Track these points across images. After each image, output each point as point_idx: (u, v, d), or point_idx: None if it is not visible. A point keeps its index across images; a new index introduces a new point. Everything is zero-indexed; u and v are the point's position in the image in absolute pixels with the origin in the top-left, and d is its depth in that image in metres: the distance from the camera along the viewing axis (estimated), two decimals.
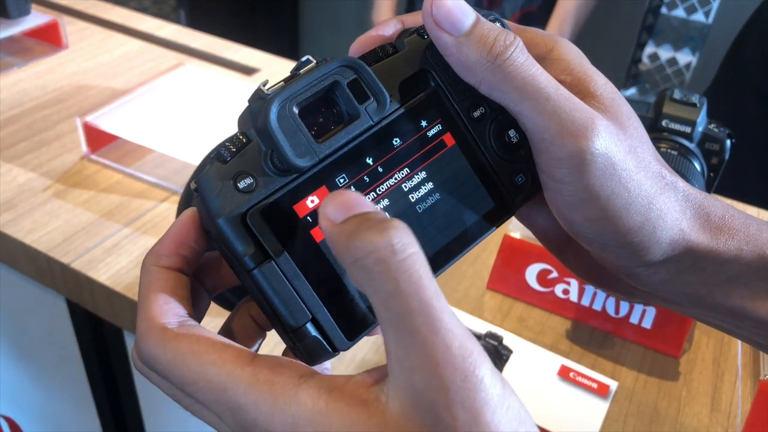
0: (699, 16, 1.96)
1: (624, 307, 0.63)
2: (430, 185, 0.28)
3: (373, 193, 0.27)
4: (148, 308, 0.25)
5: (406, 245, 0.21)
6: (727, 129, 0.65)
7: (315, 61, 0.26)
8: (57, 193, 0.74)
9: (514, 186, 0.30)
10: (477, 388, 0.20)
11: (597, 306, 0.64)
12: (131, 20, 1.14)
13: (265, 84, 0.26)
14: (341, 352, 0.26)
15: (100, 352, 0.76)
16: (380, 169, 0.27)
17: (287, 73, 0.26)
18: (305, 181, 0.25)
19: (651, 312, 0.62)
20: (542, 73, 0.27)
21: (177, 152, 0.76)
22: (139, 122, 0.80)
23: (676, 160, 0.62)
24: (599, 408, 0.57)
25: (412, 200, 0.28)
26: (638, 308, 0.62)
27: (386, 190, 0.27)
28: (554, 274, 0.65)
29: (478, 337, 0.61)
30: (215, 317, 0.50)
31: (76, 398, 0.83)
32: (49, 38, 1.02)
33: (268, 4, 2.57)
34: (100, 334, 0.74)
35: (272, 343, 0.41)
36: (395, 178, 0.27)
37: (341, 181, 0.26)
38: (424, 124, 0.28)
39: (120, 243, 0.68)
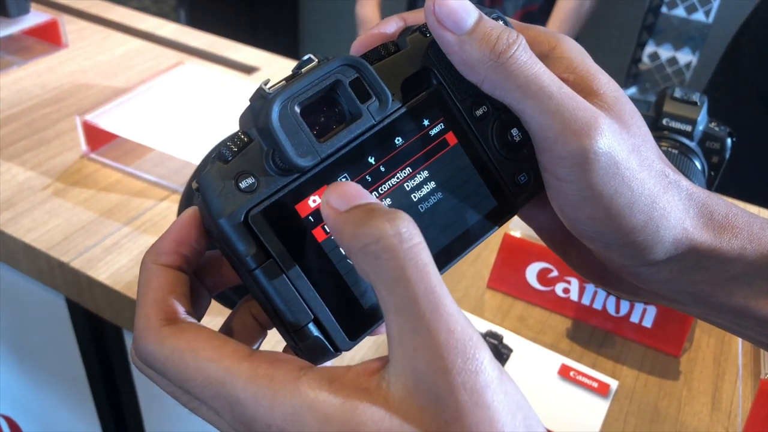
0: (699, 16, 1.96)
1: (624, 306, 0.63)
2: (432, 184, 0.28)
3: (375, 192, 0.27)
4: (146, 306, 0.25)
5: (412, 234, 0.21)
6: (727, 128, 0.65)
7: (317, 60, 0.26)
8: (57, 191, 0.73)
9: (516, 185, 0.29)
10: (478, 370, 0.20)
11: (597, 305, 0.63)
12: (131, 19, 1.14)
13: (266, 83, 0.25)
14: (343, 352, 0.26)
15: (99, 351, 0.76)
16: (382, 169, 0.27)
17: (287, 72, 0.26)
18: (307, 181, 0.25)
19: (651, 311, 0.62)
20: (545, 72, 0.26)
21: (177, 151, 0.76)
22: (139, 121, 0.80)
23: (677, 158, 0.62)
24: (600, 407, 0.57)
25: (415, 199, 0.27)
26: (639, 307, 0.62)
27: (388, 189, 0.27)
28: (554, 273, 0.65)
29: None
30: (215, 316, 0.50)
31: (76, 397, 0.83)
32: (48, 37, 1.02)
33: (268, 3, 2.57)
34: (100, 333, 0.74)
35: (273, 341, 0.41)
36: (397, 178, 0.27)
37: (343, 180, 0.26)
38: (426, 123, 0.28)
39: (120, 242, 0.67)
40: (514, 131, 0.29)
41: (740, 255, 0.28)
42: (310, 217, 0.25)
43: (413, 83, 0.28)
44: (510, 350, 0.60)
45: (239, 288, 0.27)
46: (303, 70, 0.26)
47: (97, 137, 0.79)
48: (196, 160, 0.74)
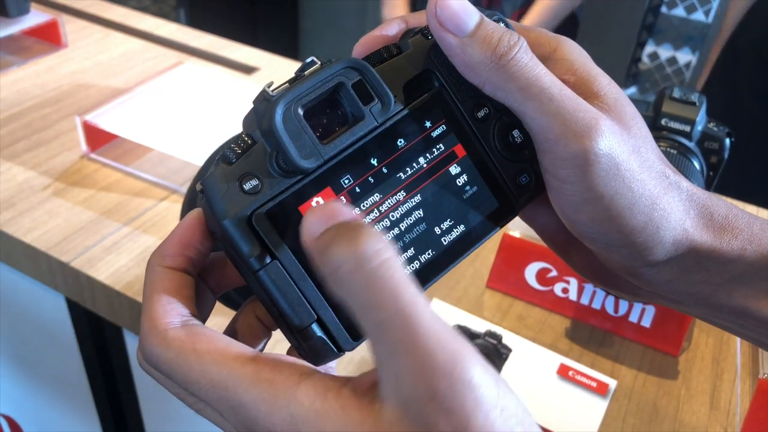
0: (699, 15, 1.96)
1: (623, 305, 0.63)
2: (434, 185, 0.28)
3: (377, 193, 0.27)
4: (151, 308, 0.25)
5: (377, 252, 0.20)
6: (726, 128, 0.65)
7: (319, 63, 0.26)
8: (56, 191, 0.73)
9: (518, 186, 0.30)
10: (465, 392, 0.19)
11: (596, 305, 0.64)
12: (131, 19, 1.14)
13: (270, 86, 0.26)
14: (346, 352, 0.26)
15: (99, 350, 0.76)
16: (385, 170, 0.27)
17: (287, 72, 0.26)
18: (310, 183, 0.26)
19: (650, 311, 0.62)
20: (546, 73, 0.27)
21: (177, 151, 0.76)
22: (139, 121, 0.80)
23: (676, 158, 0.62)
24: (598, 406, 0.57)
25: (417, 200, 0.28)
26: (637, 307, 0.63)
27: (391, 190, 0.27)
28: (553, 273, 0.65)
29: (477, 335, 0.61)
30: (219, 316, 0.50)
31: (76, 397, 0.83)
32: (48, 37, 1.02)
33: (268, 2, 2.57)
34: (100, 333, 0.74)
35: (274, 341, 0.41)
36: (400, 179, 0.27)
37: (346, 182, 0.26)
38: (428, 124, 0.28)
39: (119, 242, 0.68)
40: (516, 133, 0.29)
41: (740, 256, 0.28)
42: None
43: (415, 85, 0.28)
44: (509, 350, 0.61)
45: (243, 289, 0.28)
46: (306, 72, 0.26)
47: (97, 137, 0.79)
48: (196, 159, 0.74)
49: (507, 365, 0.59)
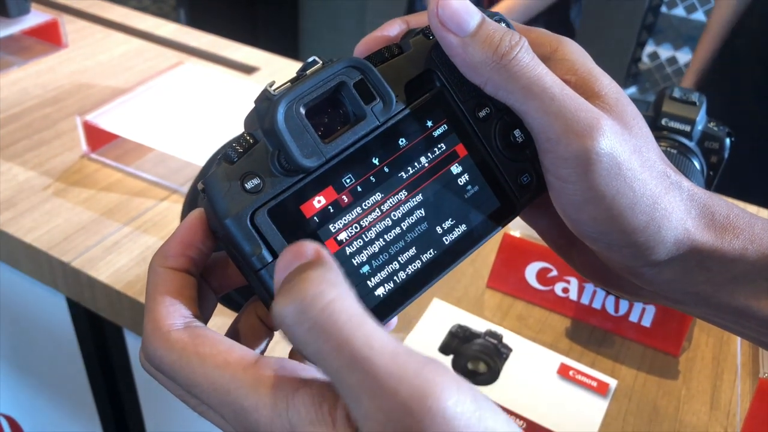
0: (699, 15, 1.96)
1: (623, 305, 0.63)
2: (436, 185, 0.28)
3: (379, 193, 0.27)
4: (154, 309, 0.25)
5: (315, 298, 0.20)
6: (726, 127, 0.65)
7: (321, 62, 0.26)
8: (57, 191, 0.74)
9: (519, 186, 0.30)
10: (440, 424, 0.19)
11: (596, 304, 0.64)
12: (131, 19, 1.14)
13: (271, 85, 0.26)
14: None
15: (100, 350, 0.76)
16: (386, 169, 0.27)
17: (287, 72, 0.26)
18: (312, 182, 0.26)
19: (650, 310, 0.62)
20: (547, 73, 0.27)
21: (177, 151, 0.76)
22: (139, 121, 0.80)
23: (676, 158, 0.62)
24: (599, 406, 0.57)
25: (418, 200, 0.28)
26: (638, 307, 0.63)
27: (392, 190, 0.27)
28: (554, 273, 0.65)
29: (478, 335, 0.61)
30: (220, 317, 0.50)
31: (77, 397, 0.83)
32: (49, 37, 1.02)
33: (268, 2, 2.57)
34: (101, 333, 0.74)
35: (275, 341, 0.41)
36: (401, 178, 0.27)
37: (348, 181, 0.26)
38: (429, 124, 0.28)
39: (120, 241, 0.68)
40: (517, 132, 0.29)
41: (741, 255, 0.28)
42: (315, 218, 0.26)
43: (416, 85, 0.28)
44: (509, 349, 0.61)
45: (244, 289, 0.28)
46: (308, 72, 0.26)
47: (98, 137, 0.79)
48: (197, 159, 0.74)
49: (507, 365, 0.60)
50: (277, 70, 1.01)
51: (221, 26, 1.39)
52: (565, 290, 0.65)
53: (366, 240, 0.26)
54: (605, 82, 0.28)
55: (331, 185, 0.26)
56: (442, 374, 0.19)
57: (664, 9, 1.99)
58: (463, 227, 0.28)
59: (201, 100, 0.86)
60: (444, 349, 0.61)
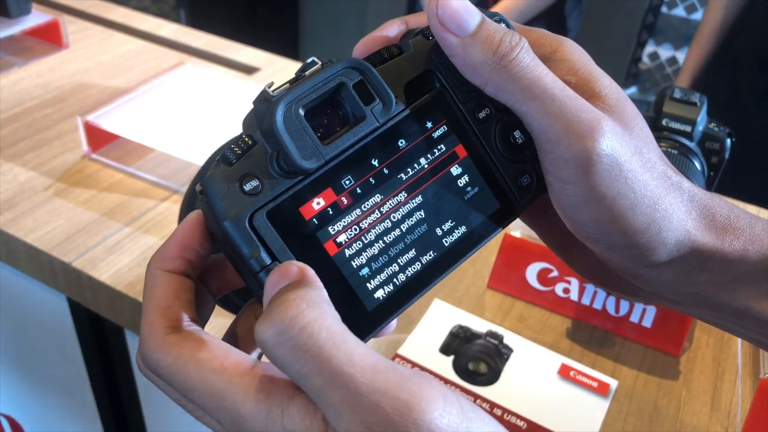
0: (699, 15, 1.96)
1: (624, 306, 0.63)
2: (435, 186, 0.28)
3: (378, 194, 0.27)
4: (151, 313, 0.25)
5: (294, 319, 0.20)
6: (727, 128, 0.65)
7: (320, 63, 0.26)
8: (58, 192, 0.74)
9: (519, 187, 0.30)
10: None
11: (597, 305, 0.64)
12: (132, 19, 1.14)
13: (270, 86, 0.25)
14: None
15: (101, 351, 0.76)
16: (386, 171, 0.27)
17: (288, 73, 0.26)
18: (311, 183, 0.26)
19: (651, 311, 0.62)
20: (548, 74, 0.27)
21: (178, 151, 0.76)
22: (140, 121, 0.80)
23: (677, 159, 0.62)
24: (599, 407, 0.57)
25: (418, 201, 0.28)
26: (638, 307, 0.63)
27: (392, 191, 0.27)
28: (555, 273, 0.65)
29: (479, 336, 0.61)
30: (220, 317, 0.50)
31: (78, 397, 0.83)
32: (49, 37, 1.02)
33: (269, 3, 2.57)
34: (102, 333, 0.75)
35: None
36: (401, 179, 0.27)
37: (347, 182, 0.26)
38: (429, 125, 0.28)
39: (121, 242, 0.68)
40: (517, 133, 0.29)
41: (742, 256, 0.28)
42: (314, 220, 0.25)
43: (416, 86, 0.28)
44: (510, 350, 0.61)
45: (242, 291, 0.27)
46: (307, 72, 0.26)
47: (99, 137, 0.79)
48: (198, 160, 0.74)
49: (508, 365, 0.59)
50: (278, 70, 1.01)
51: (221, 26, 1.39)
52: (566, 291, 0.65)
53: (366, 242, 0.26)
54: (606, 82, 0.28)
55: (331, 187, 0.26)
56: (427, 387, 0.20)
57: (664, 9, 1.99)
58: (463, 229, 0.28)
59: (202, 100, 0.86)
60: (445, 349, 0.60)
